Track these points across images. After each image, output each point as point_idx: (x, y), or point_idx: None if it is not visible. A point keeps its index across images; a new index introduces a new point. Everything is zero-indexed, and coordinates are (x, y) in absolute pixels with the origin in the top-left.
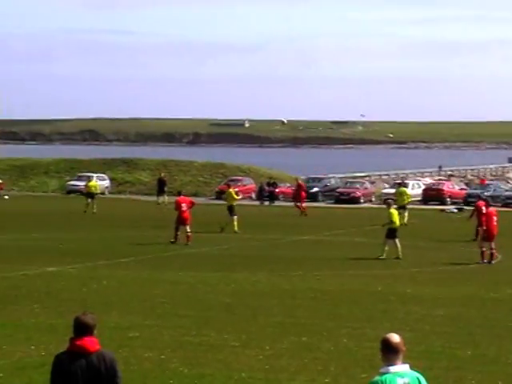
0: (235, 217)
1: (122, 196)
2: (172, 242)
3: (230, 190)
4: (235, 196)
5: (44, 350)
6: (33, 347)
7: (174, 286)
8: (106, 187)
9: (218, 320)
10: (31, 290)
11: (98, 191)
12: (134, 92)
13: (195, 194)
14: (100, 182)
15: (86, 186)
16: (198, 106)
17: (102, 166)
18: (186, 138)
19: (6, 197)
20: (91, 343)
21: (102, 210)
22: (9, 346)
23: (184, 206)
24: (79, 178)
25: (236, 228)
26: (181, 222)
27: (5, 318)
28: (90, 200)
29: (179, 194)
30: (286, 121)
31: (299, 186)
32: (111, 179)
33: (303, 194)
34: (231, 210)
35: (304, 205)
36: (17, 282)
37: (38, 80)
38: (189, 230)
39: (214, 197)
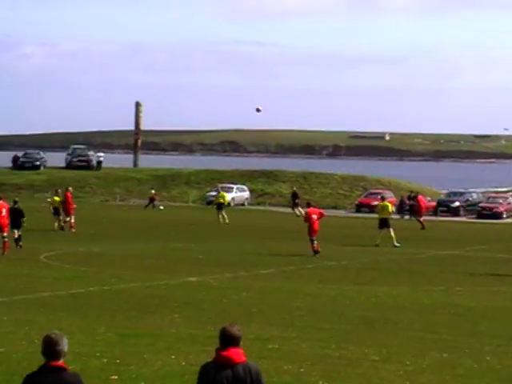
0: (391, 229)
1: (261, 207)
2: (314, 255)
3: (387, 202)
4: (391, 209)
5: (184, 360)
6: (173, 357)
7: (314, 299)
8: (246, 198)
9: (357, 334)
10: (172, 299)
11: (227, 202)
12: (274, 103)
13: (334, 207)
14: (240, 194)
15: (215, 197)
16: (338, 118)
17: (242, 177)
18: (325, 151)
19: (162, 207)
20: (237, 354)
21: (241, 221)
22: (150, 354)
23: (314, 218)
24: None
25: (395, 241)
26: (312, 232)
27: (146, 327)
28: (219, 211)
29: (308, 205)
30: (260, 108)
31: (418, 200)
32: (251, 190)
33: (422, 207)
34: (385, 223)
35: (422, 218)
36: (158, 291)
37: (179, 91)
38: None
39: (353, 210)
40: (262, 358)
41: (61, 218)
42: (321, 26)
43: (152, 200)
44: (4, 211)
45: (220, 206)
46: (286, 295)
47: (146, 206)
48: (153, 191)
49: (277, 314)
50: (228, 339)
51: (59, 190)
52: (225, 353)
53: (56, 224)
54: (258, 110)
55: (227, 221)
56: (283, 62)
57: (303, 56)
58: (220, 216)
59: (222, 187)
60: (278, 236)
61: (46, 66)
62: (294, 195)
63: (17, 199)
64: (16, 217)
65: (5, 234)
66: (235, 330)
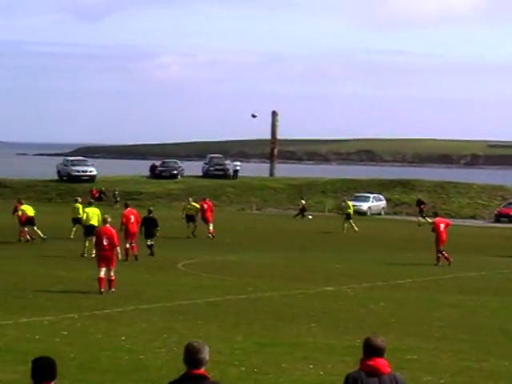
0: None
1: (398, 217)
2: (449, 264)
3: None
4: None
5: (322, 370)
6: (311, 366)
7: (453, 310)
8: (383, 208)
9: (498, 346)
10: (309, 308)
11: (351, 211)
12: (410, 112)
13: (473, 217)
14: (376, 203)
15: (344, 207)
16: (476, 127)
17: (379, 186)
18: (463, 160)
19: (310, 217)
20: (383, 365)
21: (377, 231)
22: (287, 364)
23: (442, 227)
24: (356, 199)
25: None
26: (440, 242)
27: (283, 336)
28: (348, 220)
29: (436, 214)
30: (256, 114)
31: None
32: (387, 200)
33: None
34: None
35: None
36: (295, 300)
37: (315, 100)
38: (440, 251)
39: (492, 220)
40: (400, 368)
41: (195, 224)
42: (459, 34)
43: (302, 210)
44: (133, 218)
45: (349, 216)
46: (424, 306)
47: (296, 215)
48: (303, 201)
49: (415, 325)
50: (373, 350)
51: (190, 198)
52: (371, 363)
53: (190, 231)
54: (253, 116)
55: (345, 231)
56: (420, 71)
57: (440, 65)
58: (346, 225)
59: (347, 198)
60: (416, 246)
61: (183, 76)
62: (420, 203)
63: (151, 208)
64: (150, 226)
65: (132, 241)
66: (379, 340)
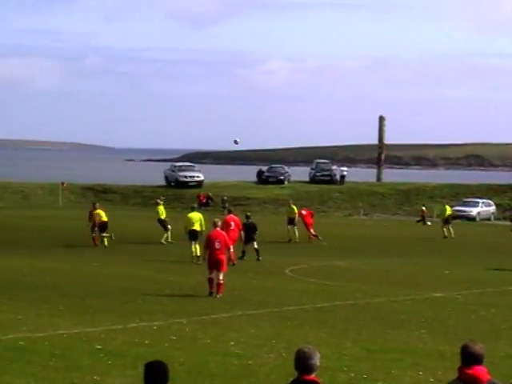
0: None
1: (508, 222)
2: None
3: None
4: None
5: (432, 377)
6: (421, 373)
7: None
8: (492, 213)
9: None
10: (418, 314)
11: (445, 216)
12: None
13: None
14: (486, 208)
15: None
16: None
17: (488, 191)
18: None
19: (429, 223)
20: (483, 373)
21: (487, 236)
22: (397, 370)
23: None
24: (465, 204)
25: None
26: None
27: (393, 343)
28: (446, 225)
29: None
30: (238, 141)
31: None
32: (497, 205)
33: None
34: None
35: None
36: (404, 306)
37: (422, 105)
38: None
39: None
40: None
41: (294, 228)
42: None
43: (422, 216)
44: (233, 224)
45: (447, 221)
46: None
47: (419, 221)
48: (424, 207)
49: None
50: (472, 357)
51: (290, 201)
52: (470, 371)
53: (291, 234)
54: (235, 142)
55: (451, 235)
56: None
57: None
58: (445, 229)
59: (445, 202)
60: None
61: (291, 82)
62: None
63: (249, 213)
64: (250, 231)
65: (230, 248)
66: (478, 347)
